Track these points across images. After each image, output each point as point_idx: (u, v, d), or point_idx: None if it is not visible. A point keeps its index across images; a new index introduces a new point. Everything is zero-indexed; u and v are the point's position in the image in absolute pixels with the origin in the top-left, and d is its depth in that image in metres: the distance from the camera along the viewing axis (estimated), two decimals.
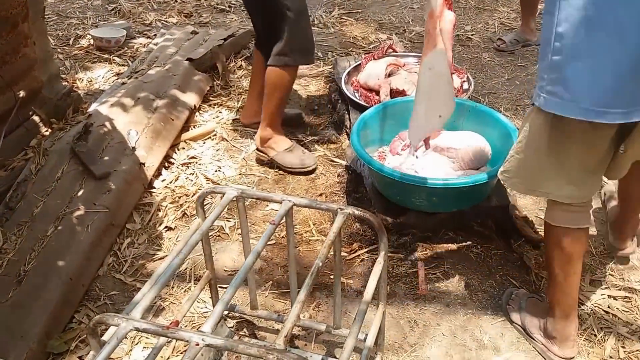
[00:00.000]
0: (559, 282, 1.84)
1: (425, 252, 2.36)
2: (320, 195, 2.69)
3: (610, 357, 1.94)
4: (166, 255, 2.34)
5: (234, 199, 1.66)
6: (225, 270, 2.31)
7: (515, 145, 1.77)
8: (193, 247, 1.53)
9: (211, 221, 1.58)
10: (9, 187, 2.46)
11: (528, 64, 3.80)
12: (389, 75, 3.04)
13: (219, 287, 2.13)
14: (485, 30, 4.29)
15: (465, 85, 3.05)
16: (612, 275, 2.25)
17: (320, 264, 1.41)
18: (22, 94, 2.56)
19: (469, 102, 2.66)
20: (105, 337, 1.31)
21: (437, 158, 2.43)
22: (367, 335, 1.68)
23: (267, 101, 2.79)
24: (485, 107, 2.66)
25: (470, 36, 4.18)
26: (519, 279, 2.24)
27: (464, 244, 2.40)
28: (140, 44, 4.11)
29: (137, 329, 1.23)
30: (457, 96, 2.90)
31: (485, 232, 2.43)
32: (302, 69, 3.75)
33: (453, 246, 2.39)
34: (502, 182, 1.88)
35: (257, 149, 2.89)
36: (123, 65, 3.83)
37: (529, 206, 2.58)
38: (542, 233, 2.36)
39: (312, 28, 4.28)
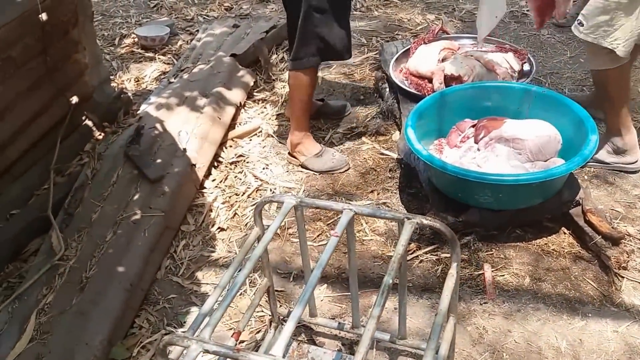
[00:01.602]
0: (620, 108, 2.35)
1: (491, 253, 2.22)
2: (372, 192, 2.58)
3: None
4: (220, 257, 2.31)
5: (292, 209, 1.56)
6: (279, 272, 2.23)
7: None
8: (256, 261, 1.44)
9: (272, 233, 1.49)
10: (67, 193, 2.46)
11: None
12: (443, 60, 2.88)
13: (275, 290, 2.07)
14: None
15: (527, 67, 2.87)
16: None
17: (391, 282, 1.30)
18: (74, 99, 2.55)
19: (535, 88, 2.49)
20: (172, 356, 1.28)
21: (501, 150, 2.29)
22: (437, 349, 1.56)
23: (291, 106, 2.73)
24: (553, 92, 2.50)
25: (525, 12, 3.96)
26: (597, 279, 2.09)
27: (533, 242, 2.25)
28: (184, 40, 4.06)
29: (207, 351, 1.20)
30: (518, 80, 2.75)
31: (557, 229, 2.28)
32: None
33: (521, 245, 2.24)
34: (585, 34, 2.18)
35: (289, 154, 2.81)
36: (168, 63, 3.78)
37: (603, 198, 2.41)
38: (619, 229, 2.20)
39: (355, 12, 4.18)
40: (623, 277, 2.06)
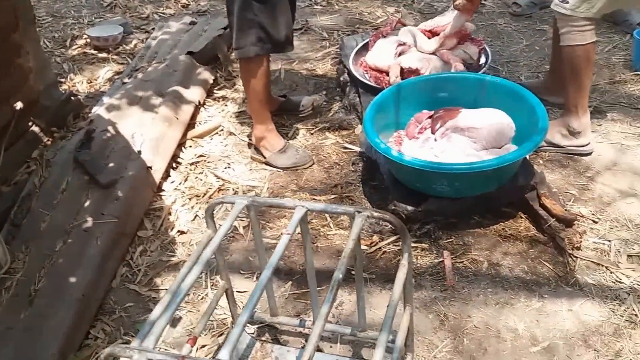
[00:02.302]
0: (584, 87, 2.45)
1: (451, 240, 2.24)
2: (336, 186, 2.58)
3: None
4: (181, 262, 2.28)
5: (245, 209, 1.55)
6: (242, 273, 2.21)
7: None
8: (204, 264, 1.43)
9: (222, 236, 1.47)
10: (14, 203, 2.38)
11: (547, 28, 3.63)
12: (400, 54, 2.89)
13: (237, 291, 2.06)
14: None
15: (482, 59, 2.90)
16: None
17: (341, 277, 1.30)
18: (19, 105, 2.48)
19: (489, 77, 2.52)
20: None
21: (457, 139, 2.31)
22: (395, 337, 1.58)
23: (247, 98, 2.70)
24: (505, 80, 2.52)
25: (483, 2, 4.00)
26: (552, 261, 2.12)
27: (491, 228, 2.27)
28: (139, 39, 4.00)
29: None
30: (474, 70, 2.77)
31: (514, 214, 2.31)
32: (308, 51, 3.64)
33: (480, 231, 2.27)
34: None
35: (252, 151, 2.79)
36: (122, 63, 3.72)
37: (558, 182, 2.45)
38: (573, 211, 2.25)
39: (315, 7, 4.18)
40: (577, 258, 2.10)
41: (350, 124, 2.95)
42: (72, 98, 2.99)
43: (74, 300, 2.00)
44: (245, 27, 2.42)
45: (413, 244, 2.22)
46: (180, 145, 2.86)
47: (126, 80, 3.24)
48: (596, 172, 2.50)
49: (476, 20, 3.79)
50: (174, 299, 1.30)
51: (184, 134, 2.90)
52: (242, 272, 2.22)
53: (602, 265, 2.08)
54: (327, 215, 2.43)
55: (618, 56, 3.33)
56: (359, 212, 1.46)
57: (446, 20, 2.93)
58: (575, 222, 2.18)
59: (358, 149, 2.74)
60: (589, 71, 2.44)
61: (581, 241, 2.13)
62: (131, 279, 2.23)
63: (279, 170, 2.71)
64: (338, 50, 3.54)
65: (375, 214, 1.47)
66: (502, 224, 2.28)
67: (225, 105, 3.20)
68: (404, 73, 2.79)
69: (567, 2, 2.31)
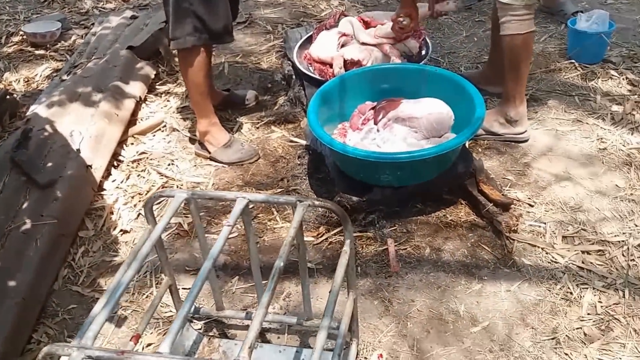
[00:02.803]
0: (522, 76, 2.51)
1: (395, 228, 2.28)
2: (282, 179, 2.59)
3: (588, 314, 1.92)
4: (124, 262, 2.23)
5: (185, 202, 1.54)
6: (187, 269, 2.20)
7: None
8: (144, 259, 1.42)
9: (160, 230, 1.46)
10: None
11: (486, 19, 3.71)
12: (342, 45, 2.91)
13: (183, 288, 2.05)
14: None
15: (423, 52, 2.95)
16: (584, 230, 2.22)
17: (282, 265, 1.32)
18: None
19: (429, 67, 2.57)
20: None
21: (399, 129, 2.35)
22: (339, 323, 1.60)
23: (188, 92, 2.66)
24: (444, 70, 2.58)
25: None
26: (490, 244, 2.19)
27: (433, 215, 2.33)
28: (78, 35, 3.90)
29: (90, 357, 1.14)
30: (416, 61, 2.82)
31: (454, 201, 2.37)
32: (252, 44, 3.63)
33: (422, 218, 2.32)
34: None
35: (196, 147, 2.76)
36: (61, 60, 3.62)
37: (495, 168, 2.52)
38: (510, 196, 2.32)
39: (260, 0, 4.16)
40: (514, 240, 2.17)
41: (295, 117, 2.96)
42: (8, 97, 2.89)
43: (14, 304, 1.94)
44: (181, 16, 2.38)
45: (358, 234, 2.26)
46: (122, 142, 2.81)
47: (65, 77, 3.16)
48: (532, 158, 2.58)
49: None
50: (114, 295, 1.28)
51: (125, 131, 2.84)
52: (187, 268, 2.20)
53: (538, 247, 2.16)
54: (273, 208, 2.43)
55: (553, 45, 3.44)
56: (300, 201, 1.48)
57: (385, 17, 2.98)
58: (512, 206, 2.25)
59: (304, 142, 2.75)
60: (527, 60, 2.52)
61: (518, 224, 2.20)
62: (73, 280, 2.19)
63: (224, 165, 2.70)
64: (282, 43, 3.54)
65: (317, 203, 1.49)
66: (443, 210, 2.34)
67: (168, 101, 3.16)
68: (347, 64, 2.81)
69: None
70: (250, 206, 2.35)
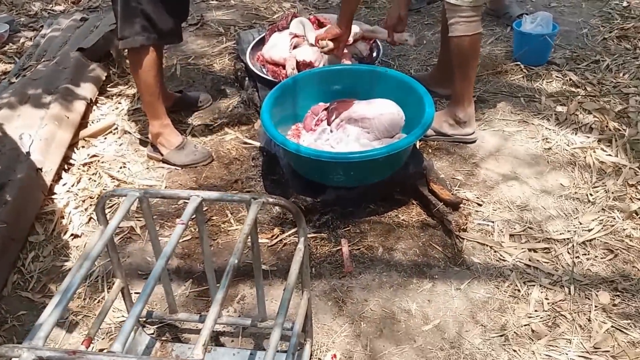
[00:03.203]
0: (470, 77, 2.58)
1: (348, 229, 2.31)
2: (236, 181, 2.59)
3: (536, 311, 1.97)
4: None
5: (137, 201, 1.53)
6: (140, 274, 2.18)
7: None
8: (95, 260, 1.40)
9: (112, 229, 1.45)
10: None
11: (435, 22, 3.79)
12: (295, 47, 2.94)
13: (135, 293, 2.03)
14: None
15: (374, 53, 3.00)
16: (530, 228, 2.28)
17: (236, 262, 1.32)
18: None
19: (379, 68, 2.62)
20: None
21: (352, 130, 2.38)
22: (293, 324, 1.61)
23: (139, 93, 2.64)
24: (395, 71, 2.62)
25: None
26: (441, 243, 2.24)
27: (385, 215, 2.36)
28: (27, 37, 3.81)
29: (41, 358, 1.12)
30: (365, 63, 2.86)
31: (406, 201, 2.41)
32: (204, 46, 3.61)
33: (375, 218, 2.35)
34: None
35: (149, 150, 2.74)
36: (10, 63, 3.54)
37: (445, 168, 2.58)
38: (460, 195, 2.38)
39: (211, 2, 4.15)
40: (464, 239, 2.22)
41: (249, 119, 2.96)
42: None
43: None
44: (129, 15, 2.36)
45: (313, 234, 2.28)
46: (73, 145, 2.77)
47: (14, 80, 3.09)
48: (480, 158, 2.65)
49: (368, 15, 3.91)
50: (65, 295, 1.27)
51: (76, 134, 2.80)
52: (140, 272, 2.18)
53: (487, 245, 2.21)
54: (227, 210, 2.43)
55: (500, 48, 3.53)
56: (254, 199, 1.49)
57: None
58: (461, 205, 2.31)
59: (258, 144, 2.75)
60: (474, 61, 2.58)
61: (467, 223, 2.26)
62: (23, 286, 2.14)
63: (177, 168, 2.68)
64: (235, 45, 3.54)
65: (271, 200, 1.50)
66: (395, 210, 2.38)
67: (119, 103, 3.12)
68: (300, 66, 2.83)
69: None
70: (205, 208, 2.37)
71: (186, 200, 1.50)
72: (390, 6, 2.86)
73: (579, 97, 3.01)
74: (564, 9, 3.99)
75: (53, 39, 3.48)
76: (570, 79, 3.16)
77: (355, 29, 2.87)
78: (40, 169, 2.44)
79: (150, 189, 1.56)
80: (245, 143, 2.82)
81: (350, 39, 2.86)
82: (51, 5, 4.27)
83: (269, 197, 1.52)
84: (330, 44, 2.67)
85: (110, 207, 2.44)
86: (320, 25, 3.09)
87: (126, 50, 2.91)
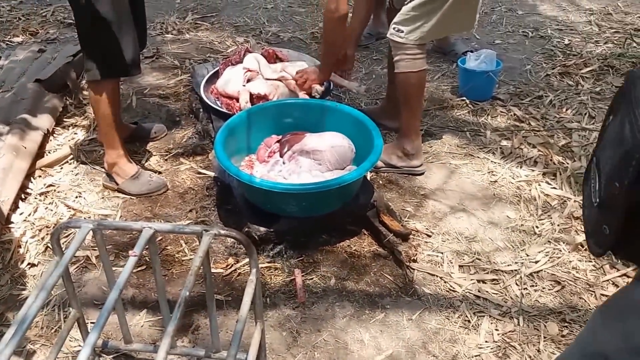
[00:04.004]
0: (417, 111, 2.69)
1: (301, 259, 2.36)
2: (191, 211, 2.62)
3: (486, 342, 2.03)
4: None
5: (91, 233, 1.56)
6: (95, 303, 2.18)
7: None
8: (50, 291, 1.42)
9: (67, 261, 1.48)
10: None
11: (383, 57, 3.91)
12: (248, 80, 3.01)
13: (91, 322, 2.03)
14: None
15: (324, 87, 3.09)
16: (479, 260, 2.36)
17: (187, 294, 1.37)
18: None
19: (330, 103, 2.71)
20: None
21: (304, 161, 2.46)
22: (247, 355, 1.65)
23: (97, 123, 2.68)
24: (345, 105, 2.72)
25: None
26: (392, 273, 2.30)
27: (338, 245, 2.42)
28: None
29: None
30: (319, 97, 2.96)
31: (358, 231, 2.48)
32: (160, 79, 3.66)
33: (328, 248, 2.41)
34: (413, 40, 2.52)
35: (104, 179, 2.76)
36: None
37: (395, 199, 2.67)
38: (409, 226, 2.47)
39: (167, 35, 4.21)
40: (414, 269, 2.29)
41: (204, 150, 3.01)
42: None
43: None
44: (91, 49, 2.42)
45: (266, 264, 2.32)
46: (29, 175, 2.76)
47: None
48: (429, 190, 2.75)
49: (318, 50, 4.01)
50: (21, 326, 1.29)
51: (33, 164, 2.80)
52: (95, 302, 2.19)
53: (437, 276, 2.28)
54: (181, 240, 2.46)
55: (446, 83, 3.68)
56: (206, 230, 1.53)
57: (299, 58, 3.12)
58: (411, 236, 2.40)
59: (212, 174, 2.80)
60: (420, 97, 2.70)
61: (417, 254, 2.34)
62: None
63: (132, 197, 2.70)
64: (190, 77, 3.60)
65: (222, 232, 1.55)
66: (347, 240, 2.44)
67: (75, 134, 3.13)
68: (253, 99, 2.91)
69: (402, 32, 2.52)
70: (159, 238, 2.40)
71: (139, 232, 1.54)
72: None
73: (524, 131, 3.15)
74: (508, 46, 4.18)
75: (11, 70, 3.47)
76: (514, 114, 3.31)
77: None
78: None
79: (103, 221, 1.60)
80: (200, 173, 2.86)
81: None
82: (9, 37, 4.25)
83: (220, 228, 1.56)
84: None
85: (67, 236, 2.45)
86: (277, 59, 3.19)
87: (84, 81, 2.93)
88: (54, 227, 2.50)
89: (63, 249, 1.59)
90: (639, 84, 0.95)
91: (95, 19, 2.34)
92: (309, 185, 2.24)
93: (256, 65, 3.06)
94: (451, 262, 2.35)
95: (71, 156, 2.95)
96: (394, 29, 2.55)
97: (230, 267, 2.33)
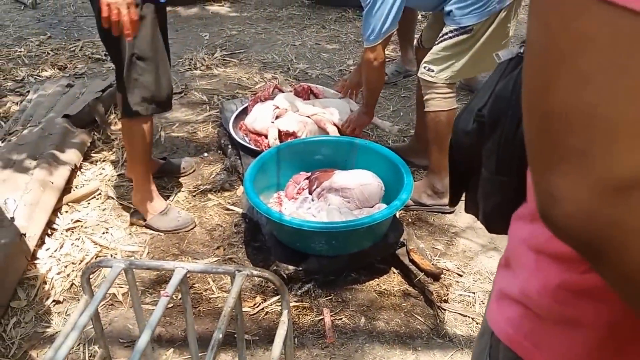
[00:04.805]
0: (446, 150, 2.47)
1: (330, 297, 2.32)
2: (219, 248, 2.61)
3: None
4: (56, 333, 2.18)
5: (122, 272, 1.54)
6: (121, 342, 2.16)
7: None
8: (81, 331, 1.40)
9: (98, 301, 1.45)
10: None
11: (411, 95, 3.92)
12: (277, 117, 3.02)
13: None
14: None
15: None
16: None
17: (221, 337, 1.33)
18: None
19: (359, 140, 2.70)
20: None
21: (333, 199, 2.44)
22: None
23: (128, 159, 2.70)
24: (374, 143, 2.71)
25: (351, 69, 4.26)
26: (423, 313, 2.26)
27: (367, 283, 2.39)
28: (13, 102, 3.84)
29: None
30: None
31: (387, 269, 2.44)
32: (188, 114, 3.69)
33: (357, 287, 2.37)
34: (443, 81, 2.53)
35: (131, 215, 2.76)
36: None
37: (425, 238, 2.63)
38: (440, 265, 2.42)
39: (195, 71, 4.27)
40: (445, 310, 2.24)
41: (232, 186, 3.01)
42: None
43: None
44: (130, 87, 2.44)
45: (295, 304, 2.29)
46: (56, 210, 2.77)
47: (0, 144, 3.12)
48: (460, 229, 2.71)
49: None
50: None
51: (60, 199, 2.81)
52: (121, 340, 2.17)
53: (469, 317, 2.23)
54: (209, 278, 2.44)
55: None
56: (239, 271, 1.50)
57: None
58: (442, 275, 2.35)
59: (240, 210, 2.79)
60: (450, 135, 2.66)
61: (448, 294, 2.29)
62: (4, 352, 2.11)
63: (160, 233, 2.69)
64: (218, 113, 3.62)
65: (255, 272, 1.52)
66: (377, 279, 2.41)
67: (103, 169, 3.15)
68: (282, 135, 2.91)
69: (432, 71, 2.53)
70: (187, 276, 2.38)
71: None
72: (352, 71, 3.03)
73: None
74: None
75: (39, 105, 3.53)
76: None
77: (350, 106, 3.04)
78: (24, 235, 2.43)
79: (135, 260, 1.58)
80: (228, 209, 2.85)
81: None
82: (38, 71, 4.33)
83: (253, 269, 1.54)
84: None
85: (93, 272, 2.43)
86: (312, 94, 3.20)
87: (116, 118, 2.94)
88: (79, 263, 2.50)
89: (92, 287, 1.58)
90: None
91: (133, 57, 2.38)
92: (339, 224, 2.21)
93: (285, 103, 3.07)
94: (483, 303, 2.30)
95: (99, 191, 2.96)
96: (424, 68, 2.56)
97: (258, 306, 2.30)
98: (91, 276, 2.38)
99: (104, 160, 3.23)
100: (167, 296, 1.45)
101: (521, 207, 0.82)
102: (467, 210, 1.17)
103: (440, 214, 2.79)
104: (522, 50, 0.94)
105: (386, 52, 4.43)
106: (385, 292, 2.35)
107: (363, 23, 2.52)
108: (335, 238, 2.24)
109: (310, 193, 2.52)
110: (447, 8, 2.45)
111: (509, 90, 0.92)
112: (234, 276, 1.51)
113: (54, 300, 2.33)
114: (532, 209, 0.74)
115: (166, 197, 2.90)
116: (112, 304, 2.32)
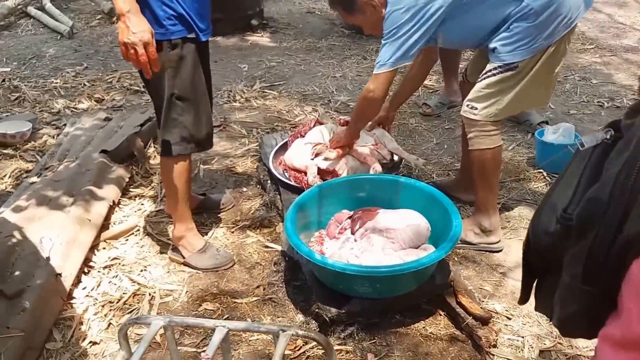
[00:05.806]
0: (493, 187, 2.61)
1: (374, 341, 2.23)
2: (258, 287, 2.54)
3: None
4: None
5: (161, 330, 1.49)
6: None
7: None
8: None
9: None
10: None
11: (455, 126, 3.83)
12: (317, 154, 2.95)
13: None
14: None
15: (396, 158, 3.01)
16: (560, 344, 2.20)
17: None
18: None
19: (403, 179, 2.62)
20: None
21: (376, 240, 2.36)
22: None
23: (167, 197, 2.68)
24: (418, 182, 2.62)
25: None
26: (471, 358, 2.15)
27: (412, 326, 2.29)
28: (49, 135, 3.85)
29: None
30: (388, 167, 2.87)
31: (433, 311, 2.34)
32: (227, 148, 3.66)
33: (401, 330, 2.28)
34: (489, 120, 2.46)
35: (170, 252, 2.73)
36: (31, 161, 3.56)
37: (472, 278, 2.52)
38: (488, 307, 2.31)
39: (234, 104, 4.25)
40: (494, 355, 2.13)
41: (271, 222, 2.95)
42: None
43: None
44: (169, 126, 2.42)
45: (337, 347, 2.20)
46: (93, 247, 2.74)
47: (35, 179, 3.11)
48: (508, 268, 2.59)
49: None
50: None
51: (98, 236, 2.78)
52: None
53: None
54: (247, 317, 2.37)
55: (521, 154, 3.54)
56: (283, 330, 1.43)
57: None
58: (491, 319, 2.24)
59: (280, 248, 2.72)
60: (497, 172, 2.59)
61: (497, 339, 2.18)
62: None
63: (198, 272, 2.64)
64: (257, 147, 3.58)
65: (301, 333, 1.44)
66: (422, 322, 2.30)
67: (142, 204, 3.13)
68: (322, 173, 2.84)
69: (476, 109, 2.45)
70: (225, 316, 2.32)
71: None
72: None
73: None
74: (584, 116, 4.04)
75: (76, 138, 3.53)
76: None
77: (383, 138, 2.98)
78: (60, 274, 2.41)
79: (174, 318, 1.51)
80: (267, 247, 2.79)
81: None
82: (74, 104, 4.34)
83: (298, 329, 1.46)
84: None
85: (130, 311, 2.39)
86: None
87: (155, 152, 2.89)
88: (117, 302, 2.46)
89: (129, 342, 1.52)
90: None
91: (172, 97, 2.36)
92: (385, 268, 2.13)
93: (321, 138, 3.01)
94: (532, 347, 2.19)
95: (137, 227, 2.93)
96: (467, 105, 2.48)
97: (299, 349, 2.22)
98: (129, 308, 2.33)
99: (142, 196, 3.21)
100: (207, 358, 1.39)
101: (611, 325, 0.73)
102: (537, 309, 1.09)
103: (487, 252, 2.68)
104: (607, 137, 0.87)
105: (429, 82, 4.40)
106: (432, 335, 2.25)
107: (380, 50, 2.46)
108: (380, 282, 2.16)
109: (352, 233, 2.45)
110: (492, 45, 2.38)
111: (607, 194, 0.83)
112: (278, 336, 1.44)
113: (90, 342, 2.29)
114: (633, 335, 0.65)
115: (205, 233, 2.85)
116: (149, 345, 2.26)
